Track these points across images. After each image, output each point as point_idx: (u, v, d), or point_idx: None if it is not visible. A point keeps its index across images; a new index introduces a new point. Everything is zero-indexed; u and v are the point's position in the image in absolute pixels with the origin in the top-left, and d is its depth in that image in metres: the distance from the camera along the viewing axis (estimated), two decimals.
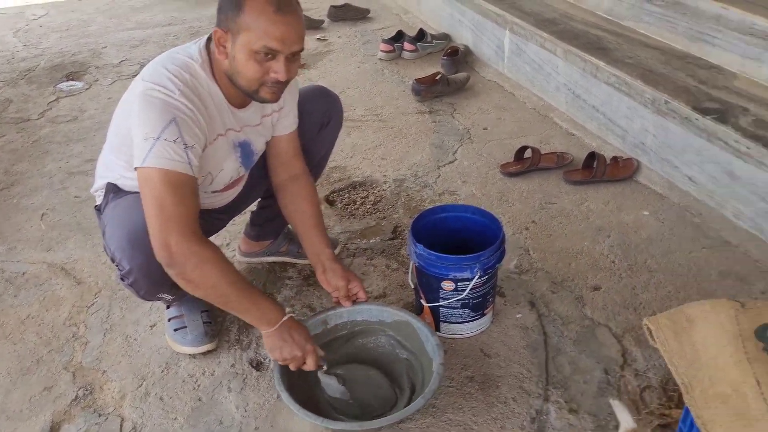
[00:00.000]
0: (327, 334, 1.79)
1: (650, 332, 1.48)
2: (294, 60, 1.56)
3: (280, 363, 1.60)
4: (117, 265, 1.65)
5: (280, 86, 1.58)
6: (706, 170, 2.31)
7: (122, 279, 1.66)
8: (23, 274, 2.21)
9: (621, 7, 3.11)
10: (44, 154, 2.97)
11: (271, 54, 1.51)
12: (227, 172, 1.74)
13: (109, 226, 1.65)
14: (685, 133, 2.35)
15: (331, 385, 1.66)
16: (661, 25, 2.90)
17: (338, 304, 1.80)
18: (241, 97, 1.64)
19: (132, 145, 1.52)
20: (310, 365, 1.60)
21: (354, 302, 1.79)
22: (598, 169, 2.51)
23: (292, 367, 1.60)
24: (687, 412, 1.37)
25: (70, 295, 2.11)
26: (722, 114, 2.26)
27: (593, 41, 2.91)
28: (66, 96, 3.56)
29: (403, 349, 1.79)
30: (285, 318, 1.61)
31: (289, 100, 1.81)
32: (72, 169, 2.84)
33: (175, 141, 1.47)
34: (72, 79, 3.76)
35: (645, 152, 2.57)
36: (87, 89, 3.64)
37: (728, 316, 1.32)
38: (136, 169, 1.50)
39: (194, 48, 1.60)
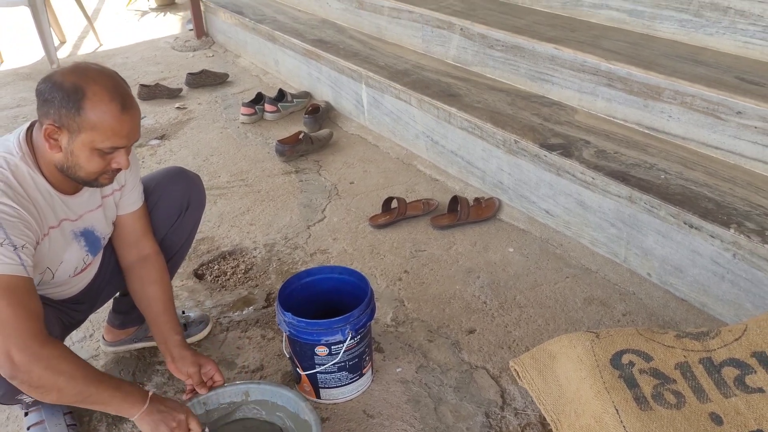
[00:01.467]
0: (207, 417, 1.72)
1: (517, 373, 1.52)
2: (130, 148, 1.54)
3: None
4: None
5: (118, 172, 1.55)
6: (560, 202, 2.43)
7: None
8: None
9: (467, 54, 3.25)
10: None
11: (115, 149, 1.48)
12: (70, 263, 1.65)
13: None
14: (536, 169, 2.46)
15: None
16: (505, 68, 3.05)
17: (193, 392, 1.73)
18: (71, 184, 1.57)
19: None
20: (195, 428, 1.54)
21: (211, 387, 1.73)
22: (462, 212, 2.58)
23: None
24: None
25: None
26: (566, 148, 2.39)
27: (444, 89, 3.02)
28: None
29: (283, 423, 1.73)
30: (151, 393, 1.54)
31: (131, 177, 1.75)
32: None
33: (2, 244, 1.39)
34: None
35: (504, 191, 2.67)
36: None
37: (585, 349, 1.38)
38: None
39: (12, 141, 1.52)
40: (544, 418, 1.73)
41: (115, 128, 1.45)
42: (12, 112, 4.25)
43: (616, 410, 1.24)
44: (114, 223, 1.78)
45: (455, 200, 2.63)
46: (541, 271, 2.33)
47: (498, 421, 1.75)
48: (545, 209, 2.50)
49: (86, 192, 1.63)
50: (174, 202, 1.88)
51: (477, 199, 2.68)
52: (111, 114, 1.44)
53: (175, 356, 1.73)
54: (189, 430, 1.55)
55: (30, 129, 1.55)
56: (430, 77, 3.18)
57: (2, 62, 5.36)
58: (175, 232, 1.90)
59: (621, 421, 1.22)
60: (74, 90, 1.41)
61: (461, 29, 3.24)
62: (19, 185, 1.48)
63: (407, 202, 2.69)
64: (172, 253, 1.90)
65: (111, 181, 1.58)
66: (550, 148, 2.41)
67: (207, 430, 1.60)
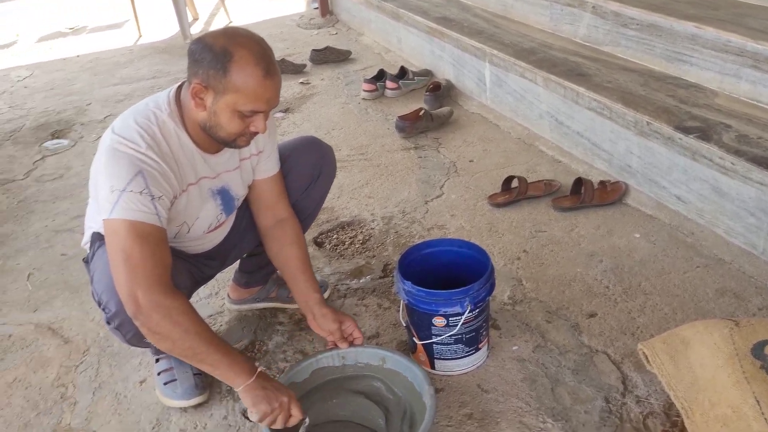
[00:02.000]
0: (318, 379, 1.75)
1: (646, 357, 1.46)
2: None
3: (268, 417, 1.51)
4: (103, 309, 1.61)
5: (255, 135, 1.61)
6: (693, 189, 2.30)
7: (108, 322, 1.63)
8: (9, 336, 2.18)
9: (598, 33, 3.13)
10: (30, 214, 2.95)
11: (255, 113, 1.53)
12: (205, 219, 1.73)
13: (97, 271, 1.63)
14: (669, 153, 2.34)
15: None
16: (639, 47, 2.92)
17: (334, 346, 1.77)
18: (213, 143, 1.63)
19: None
20: (296, 414, 1.54)
21: (351, 344, 1.76)
22: (586, 195, 2.50)
23: (279, 423, 1.52)
24: None
25: (57, 355, 2.07)
26: (704, 132, 2.26)
27: (572, 68, 2.93)
28: (51, 154, 3.56)
29: (393, 393, 1.74)
30: (259, 369, 1.57)
31: (269, 143, 1.80)
32: (58, 227, 2.82)
33: (141, 192, 1.47)
34: (57, 138, 3.77)
35: (632, 174, 2.56)
36: (72, 146, 3.64)
37: (722, 336, 1.30)
38: (103, 220, 1.49)
39: (163, 97, 1.60)
40: (669, 409, 1.66)
41: (257, 92, 1.50)
42: (148, 83, 4.50)
43: (757, 401, 1.16)
44: (250, 187, 1.84)
45: (579, 182, 2.55)
46: (669, 258, 2.22)
47: (618, 407, 1.69)
48: (676, 195, 2.38)
49: (226, 153, 1.70)
50: (307, 169, 1.92)
51: (602, 182, 2.58)
52: (254, 78, 1.48)
53: (316, 314, 1.77)
54: (290, 414, 1.54)
55: (180, 87, 1.62)
56: (558, 56, 3.09)
57: (141, 37, 5.68)
58: (306, 199, 1.95)
59: (762, 413, 1.14)
60: (223, 52, 1.47)
61: (593, 7, 3.12)
62: (165, 141, 1.56)
63: (528, 182, 2.63)
64: (301, 219, 1.95)
65: (248, 143, 1.64)
66: (687, 131, 2.28)
67: (307, 420, 1.57)
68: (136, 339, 1.66)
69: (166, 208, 1.54)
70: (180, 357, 1.54)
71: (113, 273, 1.48)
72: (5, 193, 3.17)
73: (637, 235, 2.35)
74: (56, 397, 1.91)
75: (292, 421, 1.54)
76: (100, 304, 1.63)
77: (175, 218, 1.65)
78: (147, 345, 1.76)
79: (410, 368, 1.69)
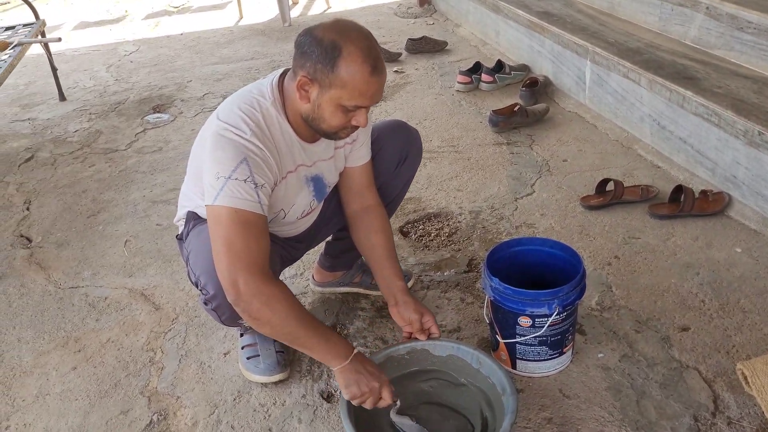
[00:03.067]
0: (402, 367, 1.75)
1: (745, 378, 1.38)
2: None
3: (357, 399, 1.55)
4: (201, 290, 1.66)
5: (356, 129, 1.62)
6: None
7: (205, 303, 1.68)
8: (105, 298, 2.28)
9: (710, 35, 2.99)
10: (130, 183, 3.07)
11: (358, 108, 1.54)
12: (299, 206, 1.75)
13: (193, 252, 1.68)
14: None
15: (405, 424, 1.61)
16: (754, 53, 2.77)
17: (410, 338, 1.77)
18: (311, 133, 1.65)
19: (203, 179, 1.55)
20: (386, 398, 1.57)
21: (428, 337, 1.75)
22: (686, 203, 2.40)
23: (368, 404, 1.56)
24: None
25: (148, 321, 2.15)
26: None
27: (680, 71, 2.80)
28: (152, 128, 3.70)
29: (458, 383, 1.73)
30: (356, 351, 1.59)
31: (362, 132, 1.80)
32: (155, 198, 2.92)
33: (245, 180, 1.50)
34: (158, 112, 3.91)
35: (737, 186, 2.43)
36: (172, 121, 3.77)
37: None
38: (206, 206, 1.53)
39: (266, 85, 1.63)
40: None
41: (362, 89, 1.50)
42: (246, 64, 4.61)
43: None
44: (341, 174, 1.86)
45: (679, 189, 2.44)
46: None
47: (708, 427, 1.61)
48: None
49: (323, 142, 1.71)
50: (394, 152, 1.92)
51: (704, 192, 2.47)
52: (361, 75, 1.48)
53: (398, 301, 1.77)
54: (380, 398, 1.57)
55: (282, 76, 1.64)
56: (665, 58, 2.97)
57: (241, 18, 5.81)
58: (392, 182, 1.95)
59: None
60: (332, 47, 1.47)
61: (707, 8, 2.98)
62: (267, 128, 1.59)
63: (624, 185, 2.55)
64: (386, 202, 1.95)
65: (348, 136, 1.66)
66: None
67: (398, 403, 1.60)
68: (231, 320, 1.71)
69: (268, 196, 1.57)
70: (279, 339, 1.59)
71: (215, 259, 1.51)
72: (108, 162, 3.31)
73: (739, 250, 2.24)
74: (145, 360, 1.99)
75: (382, 404, 1.57)
76: (197, 285, 1.68)
77: (274, 205, 1.68)
78: (240, 325, 1.81)
79: (495, 372, 1.65)
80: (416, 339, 1.75)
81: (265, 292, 1.50)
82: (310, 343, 1.57)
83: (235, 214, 1.50)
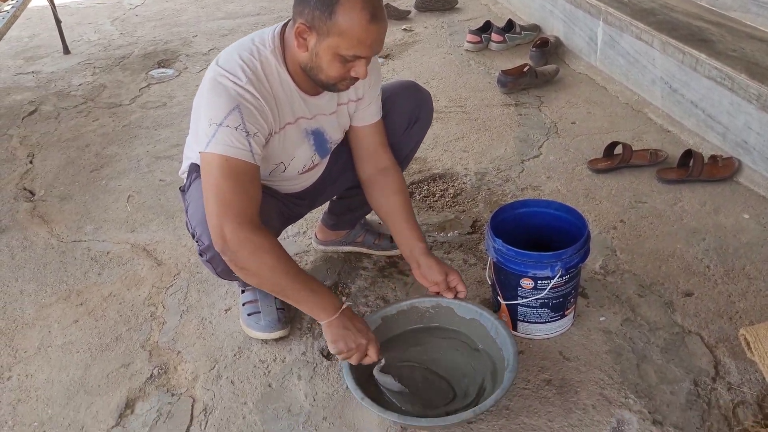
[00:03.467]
0: (425, 321, 1.77)
1: (747, 343, 1.37)
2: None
3: (343, 355, 1.55)
4: (197, 241, 1.65)
5: (356, 81, 1.58)
6: None
7: (201, 254, 1.67)
8: (107, 253, 2.27)
9: None
10: (133, 139, 3.05)
11: (357, 58, 1.50)
12: (300, 160, 1.73)
13: (191, 203, 1.67)
14: None
15: (387, 382, 1.61)
16: None
17: (437, 295, 1.75)
18: (312, 85, 1.61)
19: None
20: (372, 355, 1.57)
21: (455, 296, 1.74)
22: (695, 168, 2.36)
23: (353, 360, 1.56)
24: None
25: (150, 276, 2.15)
26: None
27: (694, 32, 2.74)
28: (156, 83, 3.66)
29: (475, 348, 1.72)
30: (344, 306, 1.58)
31: (370, 90, 1.76)
32: (159, 153, 2.90)
33: (236, 128, 1.47)
34: (163, 67, 3.87)
35: (747, 151, 2.39)
36: (177, 76, 3.73)
37: None
38: (200, 153, 1.51)
39: (268, 34, 1.59)
40: (762, 400, 1.57)
41: (360, 37, 1.46)
42: (252, 20, 4.54)
43: None
44: (351, 135, 1.82)
45: (688, 154, 2.41)
46: None
47: (707, 392, 1.61)
48: None
49: (325, 96, 1.68)
50: (405, 113, 1.89)
51: (713, 157, 2.43)
52: (359, 23, 1.44)
53: (421, 264, 1.74)
54: (366, 355, 1.57)
55: (286, 25, 1.60)
56: (679, 19, 2.90)
57: None
58: (401, 143, 1.92)
59: None
60: None
61: None
62: (265, 77, 1.55)
63: (633, 149, 2.51)
64: None
65: (347, 88, 1.61)
66: None
67: (383, 361, 1.60)
68: (226, 273, 1.70)
69: (261, 145, 1.55)
70: (267, 291, 1.58)
71: (205, 207, 1.50)
72: (112, 116, 3.29)
73: (747, 216, 2.21)
74: (146, 315, 1.99)
75: (367, 361, 1.57)
76: (194, 236, 1.67)
77: (273, 157, 1.65)
78: (236, 279, 1.80)
79: (498, 329, 1.66)
80: (441, 296, 1.74)
81: (253, 242, 1.48)
82: (298, 296, 1.56)
83: (226, 162, 1.48)
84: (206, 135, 1.49)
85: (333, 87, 1.59)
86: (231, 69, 1.52)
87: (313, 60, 1.52)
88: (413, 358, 1.72)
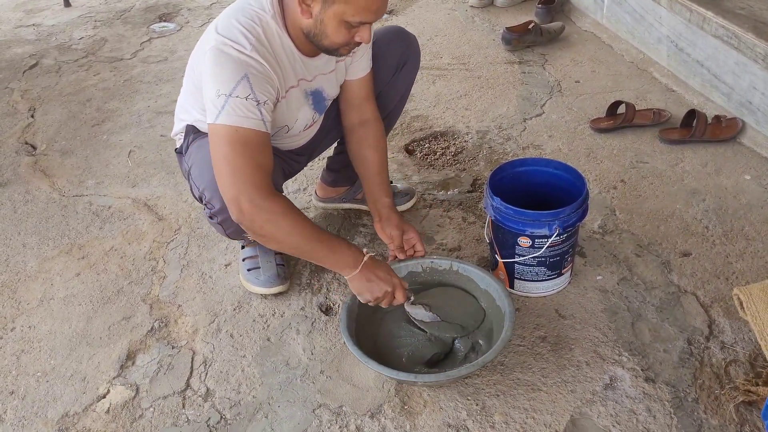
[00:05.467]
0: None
1: (741, 303, 1.39)
2: None
3: (372, 303, 1.60)
4: (206, 204, 1.66)
5: (359, 45, 1.58)
6: None
7: (211, 217, 1.68)
8: (109, 207, 2.29)
9: None
10: (134, 93, 3.04)
11: (362, 24, 1.49)
12: (302, 121, 1.73)
13: (195, 166, 1.66)
14: None
15: (419, 313, 1.67)
16: None
17: (394, 259, 1.78)
18: (312, 47, 1.60)
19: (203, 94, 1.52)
20: (399, 298, 1.60)
21: (411, 256, 1.77)
22: (698, 129, 2.34)
23: (384, 304, 1.60)
24: None
25: (151, 231, 2.17)
26: None
27: None
28: (158, 37, 3.62)
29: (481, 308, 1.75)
30: (365, 258, 1.59)
31: (364, 45, 1.75)
32: (160, 108, 2.89)
33: (246, 98, 1.46)
34: (164, 21, 3.83)
35: (752, 112, 2.37)
36: (178, 31, 3.69)
37: None
38: (208, 125, 1.50)
39: None
40: (754, 359, 1.58)
41: (367, 3, 1.44)
42: None
43: None
44: (341, 87, 1.82)
45: (692, 114, 2.39)
46: None
47: (700, 350, 1.63)
48: None
49: (324, 56, 1.66)
50: (391, 59, 1.88)
51: (717, 117, 2.41)
52: None
53: (382, 216, 1.78)
54: (393, 299, 1.60)
55: None
56: None
57: None
58: (390, 90, 1.92)
59: None
60: None
61: None
62: (268, 42, 1.54)
63: (636, 109, 2.49)
64: (386, 112, 1.92)
65: (349, 52, 1.60)
66: None
67: (412, 297, 1.65)
68: (236, 234, 1.72)
69: (270, 112, 1.54)
70: (288, 253, 1.60)
71: (217, 178, 1.50)
72: (113, 71, 3.27)
73: (748, 177, 2.21)
74: (147, 269, 2.01)
75: (396, 303, 1.62)
76: (201, 200, 1.67)
77: (278, 120, 1.65)
78: (245, 239, 1.81)
79: (480, 276, 1.71)
80: (398, 260, 1.77)
81: (268, 209, 1.49)
82: (317, 255, 1.58)
83: (237, 132, 1.47)
84: (215, 106, 1.47)
85: (335, 52, 1.57)
86: (233, 36, 1.50)
87: (318, 27, 1.50)
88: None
